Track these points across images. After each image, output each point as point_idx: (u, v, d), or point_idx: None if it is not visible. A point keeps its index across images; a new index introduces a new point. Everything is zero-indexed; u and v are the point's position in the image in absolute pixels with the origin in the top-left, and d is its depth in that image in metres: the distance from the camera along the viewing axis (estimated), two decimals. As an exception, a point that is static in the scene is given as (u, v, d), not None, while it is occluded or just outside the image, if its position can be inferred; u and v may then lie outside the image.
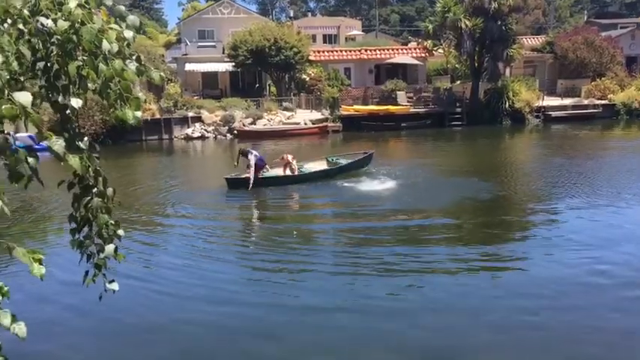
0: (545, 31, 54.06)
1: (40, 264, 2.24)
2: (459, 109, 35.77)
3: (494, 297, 8.38)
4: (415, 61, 40.64)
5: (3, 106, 2.14)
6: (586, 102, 37.24)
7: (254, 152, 17.03)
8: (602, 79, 38.68)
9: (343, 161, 19.27)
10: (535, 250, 10.45)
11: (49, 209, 15.11)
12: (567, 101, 37.63)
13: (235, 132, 32.75)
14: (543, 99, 36.66)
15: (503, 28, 34.16)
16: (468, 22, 32.90)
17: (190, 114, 33.48)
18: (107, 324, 7.83)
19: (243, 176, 17.01)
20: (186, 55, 41.53)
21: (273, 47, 35.43)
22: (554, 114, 35.70)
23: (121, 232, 2.74)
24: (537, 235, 11.61)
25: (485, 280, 9.14)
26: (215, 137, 32.94)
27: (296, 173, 17.93)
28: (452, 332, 7.28)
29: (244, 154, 17.04)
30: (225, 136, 32.91)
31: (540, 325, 7.37)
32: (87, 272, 2.75)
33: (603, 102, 36.94)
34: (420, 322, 7.63)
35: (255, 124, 33.61)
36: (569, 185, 16.40)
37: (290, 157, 17.84)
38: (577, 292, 8.45)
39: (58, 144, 2.32)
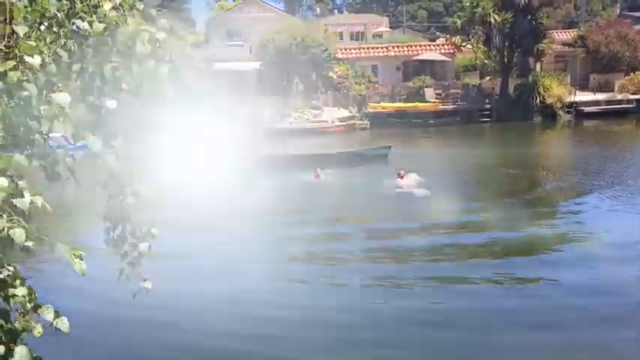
0: (577, 25, 52.71)
1: (81, 260, 2.29)
2: (488, 106, 35.19)
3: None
4: (443, 58, 40.16)
5: (42, 107, 2.19)
6: (620, 97, 36.28)
7: None
8: (636, 73, 37.70)
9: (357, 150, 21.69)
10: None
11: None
12: (600, 96, 36.74)
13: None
14: (575, 94, 35.89)
15: (534, 22, 33.58)
16: (497, 17, 32.42)
17: (219, 113, 33.77)
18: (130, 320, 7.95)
19: None
20: (214, 54, 41.80)
21: (300, 45, 35.46)
22: (586, 109, 34.90)
23: (154, 230, 2.77)
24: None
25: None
26: (243, 136, 33.10)
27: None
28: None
29: None
30: (254, 134, 33.07)
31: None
32: (122, 270, 2.79)
33: (637, 97, 35.98)
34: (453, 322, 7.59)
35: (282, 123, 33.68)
36: (607, 183, 16.06)
37: None
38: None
39: (96, 144, 2.36)
